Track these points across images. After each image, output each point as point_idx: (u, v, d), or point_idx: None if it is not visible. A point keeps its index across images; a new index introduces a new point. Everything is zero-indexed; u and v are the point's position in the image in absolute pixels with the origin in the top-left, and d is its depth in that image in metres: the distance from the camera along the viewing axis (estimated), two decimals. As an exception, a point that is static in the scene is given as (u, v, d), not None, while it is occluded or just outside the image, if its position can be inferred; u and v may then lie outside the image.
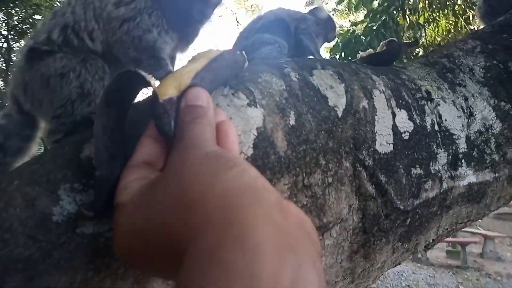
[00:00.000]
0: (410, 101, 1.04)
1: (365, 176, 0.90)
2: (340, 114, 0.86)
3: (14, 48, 6.89)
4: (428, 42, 6.38)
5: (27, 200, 0.55)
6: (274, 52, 1.23)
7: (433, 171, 1.03)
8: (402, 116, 1.00)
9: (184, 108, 0.53)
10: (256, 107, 0.73)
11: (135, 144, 0.57)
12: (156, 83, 0.58)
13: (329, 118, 0.84)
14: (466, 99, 1.18)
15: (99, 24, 0.80)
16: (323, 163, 0.82)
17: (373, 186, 0.91)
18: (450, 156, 1.08)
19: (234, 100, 0.71)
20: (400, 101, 1.01)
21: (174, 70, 0.61)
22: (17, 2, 6.13)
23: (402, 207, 0.95)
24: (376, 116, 0.94)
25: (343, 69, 0.95)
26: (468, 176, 1.12)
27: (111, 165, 0.56)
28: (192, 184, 0.41)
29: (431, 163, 1.03)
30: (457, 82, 1.20)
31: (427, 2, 5.76)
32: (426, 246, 1.16)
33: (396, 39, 1.20)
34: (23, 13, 6.87)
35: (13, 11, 6.61)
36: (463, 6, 5.90)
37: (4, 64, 6.50)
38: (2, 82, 6.66)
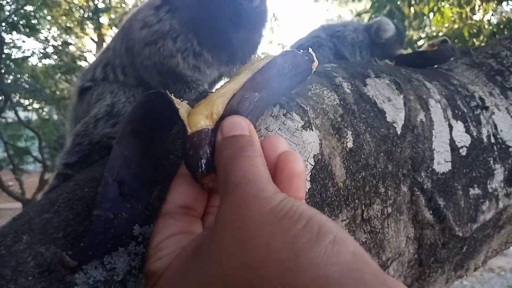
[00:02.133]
0: (465, 110, 0.92)
1: (423, 201, 0.78)
2: (399, 132, 0.73)
3: (6, 40, 6.65)
4: (432, 33, 6.27)
5: (41, 265, 0.42)
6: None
7: (490, 190, 0.92)
8: (459, 129, 0.87)
9: (222, 142, 0.40)
10: (312, 130, 0.60)
11: (166, 185, 0.45)
12: (186, 108, 0.44)
13: (388, 137, 0.71)
14: (519, 106, 1.06)
15: (129, 55, 0.72)
16: (382, 190, 0.69)
17: (431, 212, 0.80)
18: (506, 172, 0.96)
19: (287, 123, 0.58)
20: (456, 111, 0.89)
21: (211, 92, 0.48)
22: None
23: (460, 234, 0.84)
24: (433, 131, 0.82)
25: (396, 75, 0.82)
26: (523, 192, 1.01)
27: (118, 206, 0.44)
28: (265, 265, 0.28)
29: (488, 181, 0.91)
30: (508, 86, 1.08)
31: (431, -9, 5.62)
32: (474, 269, 1.05)
33: (448, 40, 1.07)
34: (15, 5, 6.61)
35: (4, 2, 6.35)
36: (467, -4, 5.76)
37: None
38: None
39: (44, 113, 8.89)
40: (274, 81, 0.49)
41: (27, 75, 7.77)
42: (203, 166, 0.40)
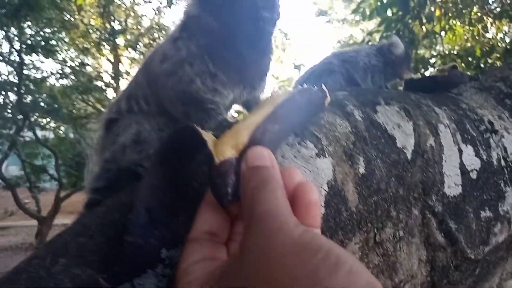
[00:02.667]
0: (475, 134, 0.94)
1: (434, 224, 0.80)
2: (409, 157, 0.76)
3: (26, 62, 6.89)
4: (444, 51, 6.25)
5: (77, 286, 0.46)
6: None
7: (501, 212, 0.93)
8: (468, 153, 0.90)
9: (246, 172, 0.44)
10: (325, 157, 0.64)
11: (190, 211, 0.49)
12: (211, 139, 0.48)
13: (399, 162, 0.74)
14: (529, 129, 1.08)
15: (151, 87, 0.78)
16: (394, 214, 0.72)
17: (443, 234, 0.82)
18: (518, 194, 0.98)
19: (301, 150, 0.62)
20: (466, 135, 0.92)
21: (234, 122, 0.52)
22: (28, 18, 6.14)
23: (472, 256, 0.85)
24: (443, 155, 0.84)
25: (406, 102, 0.86)
26: (535, 214, 1.02)
27: (148, 232, 0.47)
28: None
29: (499, 204, 0.93)
30: (517, 109, 1.10)
31: (442, 10, 5.65)
32: (489, 292, 1.06)
33: (457, 66, 1.10)
34: (35, 28, 6.88)
35: (25, 25, 6.62)
36: (479, 14, 5.77)
37: (16, 77, 6.48)
38: (15, 96, 6.65)
39: (61, 132, 9.09)
40: (292, 115, 0.53)
41: (45, 95, 8.01)
42: (230, 194, 0.43)
